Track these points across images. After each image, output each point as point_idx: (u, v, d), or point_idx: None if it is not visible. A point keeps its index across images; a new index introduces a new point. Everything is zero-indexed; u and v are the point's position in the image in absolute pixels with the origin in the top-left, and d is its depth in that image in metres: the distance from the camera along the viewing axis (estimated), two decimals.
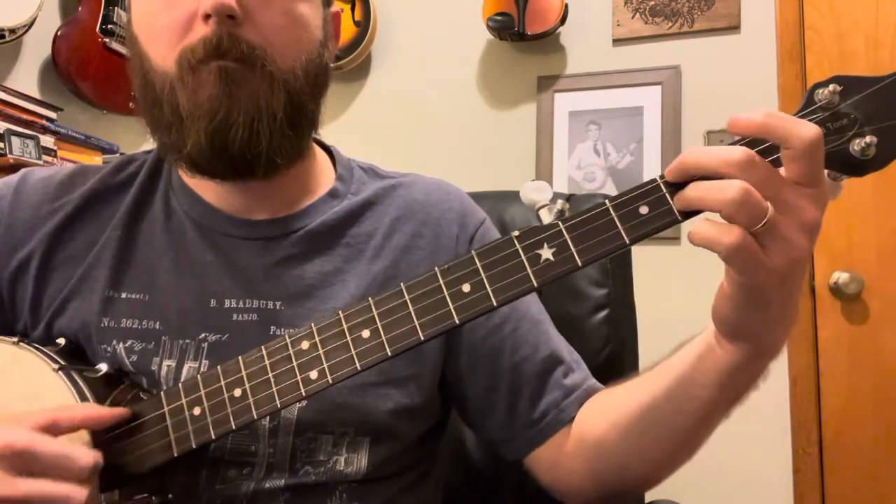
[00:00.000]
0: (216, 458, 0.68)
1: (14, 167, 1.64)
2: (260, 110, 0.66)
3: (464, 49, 2.35)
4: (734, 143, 0.51)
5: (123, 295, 0.73)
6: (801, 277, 0.52)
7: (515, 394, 0.75)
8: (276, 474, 0.68)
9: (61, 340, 0.71)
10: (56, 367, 0.64)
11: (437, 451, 0.84)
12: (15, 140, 1.75)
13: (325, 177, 0.81)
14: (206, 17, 0.64)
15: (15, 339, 0.67)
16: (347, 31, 2.32)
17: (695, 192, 0.50)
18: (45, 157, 1.82)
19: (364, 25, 2.34)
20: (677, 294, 1.94)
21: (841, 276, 1.92)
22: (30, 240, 0.75)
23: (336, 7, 0.79)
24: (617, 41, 2.21)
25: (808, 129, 0.48)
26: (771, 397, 1.95)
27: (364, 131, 2.37)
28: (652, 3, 2.17)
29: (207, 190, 0.76)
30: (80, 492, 0.56)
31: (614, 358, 1.00)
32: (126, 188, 0.78)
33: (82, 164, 0.83)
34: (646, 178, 1.99)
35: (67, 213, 0.76)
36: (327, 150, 0.85)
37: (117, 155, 2.08)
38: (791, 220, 0.49)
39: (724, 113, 1.98)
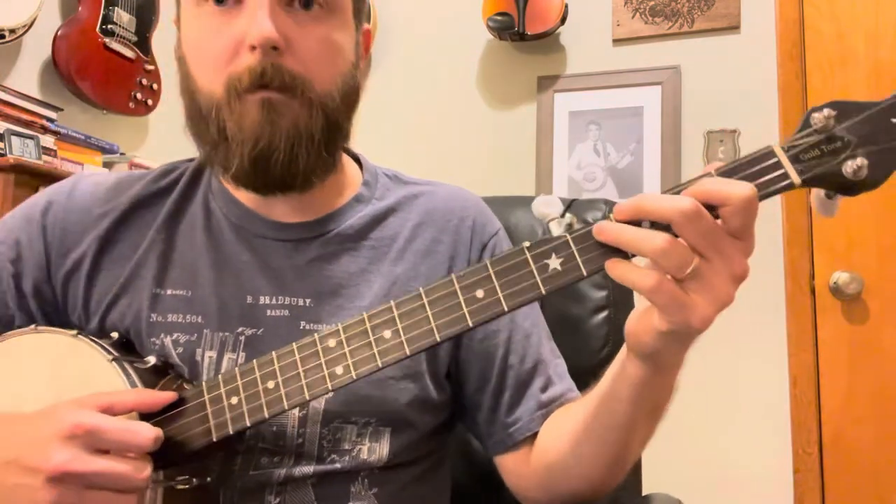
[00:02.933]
0: (251, 445, 0.73)
1: (14, 167, 1.64)
2: (300, 134, 0.72)
3: (464, 49, 2.35)
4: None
5: (168, 292, 0.78)
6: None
7: (498, 397, 0.81)
8: (304, 462, 0.74)
9: (115, 334, 0.76)
10: (110, 357, 0.69)
11: (448, 443, 0.89)
12: (15, 140, 1.75)
13: (352, 182, 0.86)
14: (252, 47, 0.69)
15: (74, 333, 0.71)
16: None
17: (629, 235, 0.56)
18: (44, 157, 1.82)
19: None
20: None
21: (841, 276, 1.92)
22: (82, 242, 0.80)
23: (366, 25, 0.84)
24: (617, 41, 2.21)
25: (744, 189, 0.53)
26: (771, 397, 1.96)
27: (364, 131, 2.37)
28: (652, 3, 2.17)
29: (244, 195, 0.81)
30: (143, 468, 0.61)
31: (613, 357, 1.01)
32: (168, 193, 0.84)
33: (128, 171, 0.91)
34: (646, 179, 1.99)
35: (115, 217, 0.81)
36: (354, 156, 0.90)
37: (117, 155, 2.08)
38: (724, 269, 0.54)
39: (724, 113, 1.99)
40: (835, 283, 1.93)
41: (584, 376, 0.81)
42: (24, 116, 1.84)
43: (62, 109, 1.98)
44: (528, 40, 2.21)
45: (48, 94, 2.05)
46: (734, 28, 2.10)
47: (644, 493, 0.91)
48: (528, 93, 2.28)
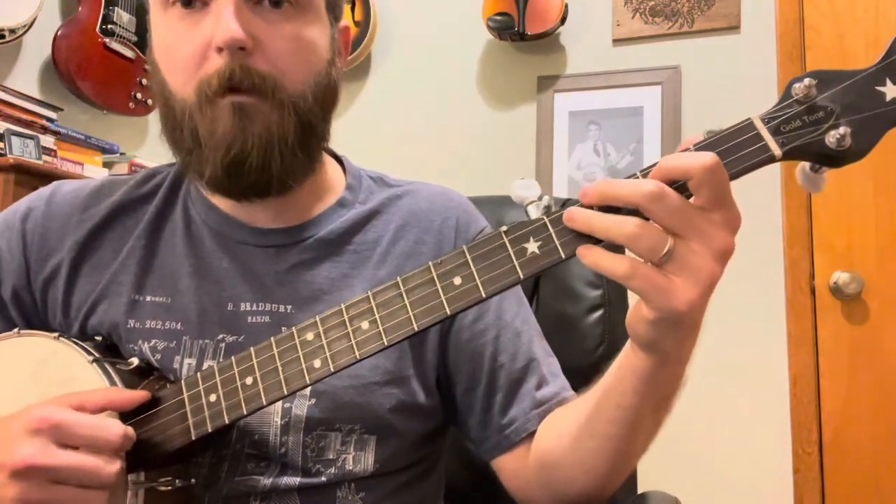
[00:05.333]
0: (237, 450, 0.73)
1: (14, 167, 1.65)
2: (272, 137, 0.71)
3: (464, 49, 2.35)
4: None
5: (148, 298, 0.78)
6: (709, 297, 0.54)
7: (490, 398, 0.79)
8: (289, 473, 0.73)
9: (99, 337, 0.76)
10: (91, 359, 0.69)
11: (441, 448, 0.87)
12: (15, 140, 1.75)
13: (335, 186, 0.85)
14: (220, 49, 0.68)
15: (56, 335, 0.71)
16: None
17: (599, 222, 0.54)
18: (44, 157, 1.83)
19: (364, 25, 2.35)
20: None
21: (841, 276, 1.92)
22: (61, 248, 0.80)
23: (344, 22, 0.82)
24: (617, 41, 2.21)
25: (703, 157, 0.51)
26: (771, 397, 1.96)
27: (364, 131, 2.37)
28: (652, 3, 2.17)
29: (224, 201, 0.80)
30: (111, 464, 0.60)
31: (608, 356, 0.99)
32: (149, 200, 0.83)
33: (109, 176, 0.89)
34: None
35: (95, 223, 0.81)
36: (338, 159, 0.89)
37: (117, 155, 2.09)
38: (702, 247, 0.52)
39: (724, 113, 1.99)
40: (835, 283, 1.93)
41: (580, 376, 0.81)
42: (24, 116, 1.85)
43: (62, 109, 1.99)
44: (528, 40, 2.21)
45: (48, 94, 2.05)
46: (734, 28, 2.10)
47: (640, 492, 0.91)
48: (528, 93, 2.28)
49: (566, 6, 2.15)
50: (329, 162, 0.86)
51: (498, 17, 2.16)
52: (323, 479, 0.73)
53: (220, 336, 0.75)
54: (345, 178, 0.86)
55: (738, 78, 2.07)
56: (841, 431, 1.91)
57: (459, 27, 2.34)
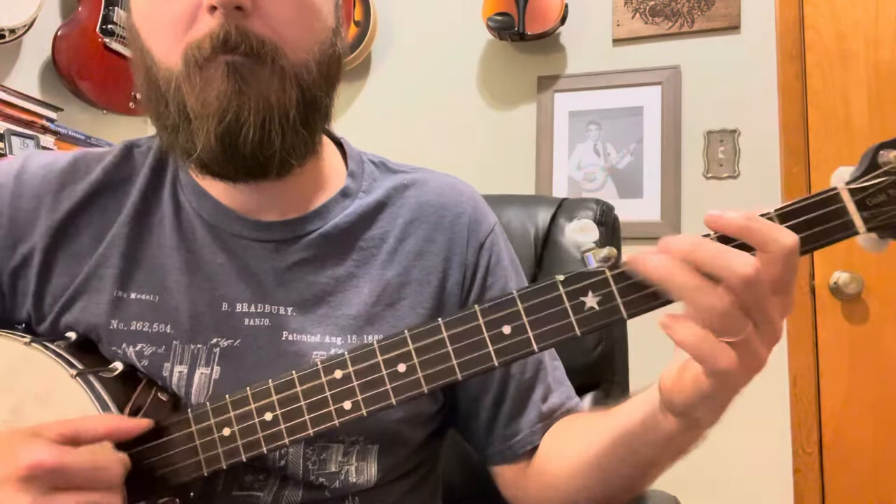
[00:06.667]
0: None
1: None
2: (272, 108, 0.63)
3: (464, 49, 2.35)
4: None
5: (133, 295, 0.70)
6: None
7: (497, 407, 0.77)
8: (291, 485, 0.68)
9: (72, 334, 0.68)
10: (74, 372, 0.62)
11: (440, 450, 0.85)
12: (15, 140, 1.75)
13: (336, 173, 0.78)
14: (212, 8, 0.60)
15: (27, 340, 0.65)
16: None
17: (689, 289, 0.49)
18: None
19: (364, 25, 2.34)
20: None
21: (841, 276, 1.92)
22: (32, 233, 0.71)
23: None
24: (617, 41, 2.21)
25: (787, 237, 0.48)
26: (771, 397, 1.95)
27: (364, 131, 2.37)
28: (652, 3, 2.17)
29: (216, 187, 0.73)
30: (115, 495, 0.56)
31: (606, 356, 1.03)
32: (132, 180, 0.74)
33: (84, 150, 0.77)
34: (646, 179, 1.99)
35: (71, 205, 0.72)
36: (337, 142, 0.82)
37: None
38: (764, 335, 0.50)
39: (724, 113, 1.98)
40: (835, 283, 1.93)
41: (578, 376, 0.81)
42: (24, 116, 1.84)
43: (62, 109, 1.98)
44: (528, 40, 2.20)
45: (48, 94, 2.05)
46: (734, 28, 2.09)
47: None
48: (528, 93, 2.28)
49: (566, 6, 2.15)
50: (328, 145, 0.79)
51: (498, 17, 2.16)
52: (326, 493, 0.69)
53: (214, 340, 0.69)
54: (345, 164, 0.80)
55: (738, 78, 2.07)
56: (841, 431, 1.91)
57: (459, 27, 2.34)
